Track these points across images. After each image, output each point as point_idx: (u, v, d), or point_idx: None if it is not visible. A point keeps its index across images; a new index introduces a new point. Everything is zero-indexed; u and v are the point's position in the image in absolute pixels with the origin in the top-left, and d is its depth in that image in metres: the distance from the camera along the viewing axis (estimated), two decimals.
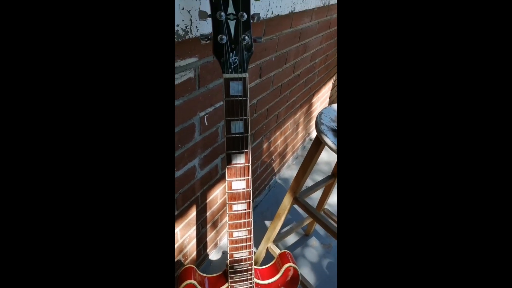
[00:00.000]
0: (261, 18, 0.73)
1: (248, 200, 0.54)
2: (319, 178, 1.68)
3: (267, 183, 1.51)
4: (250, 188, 0.53)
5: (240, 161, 0.51)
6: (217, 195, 1.01)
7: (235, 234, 0.55)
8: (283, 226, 1.31)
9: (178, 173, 0.73)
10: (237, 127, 0.49)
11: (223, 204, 1.10)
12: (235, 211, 0.53)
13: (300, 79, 1.36)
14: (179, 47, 0.56)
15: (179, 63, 0.59)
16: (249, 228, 0.55)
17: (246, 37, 0.46)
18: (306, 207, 0.80)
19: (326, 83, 1.85)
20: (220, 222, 1.14)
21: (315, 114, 1.92)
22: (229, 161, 0.50)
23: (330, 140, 0.65)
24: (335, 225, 0.78)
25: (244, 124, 0.49)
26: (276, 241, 1.04)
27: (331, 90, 2.07)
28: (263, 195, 1.51)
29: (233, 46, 0.46)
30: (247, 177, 0.52)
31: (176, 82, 0.60)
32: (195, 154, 0.78)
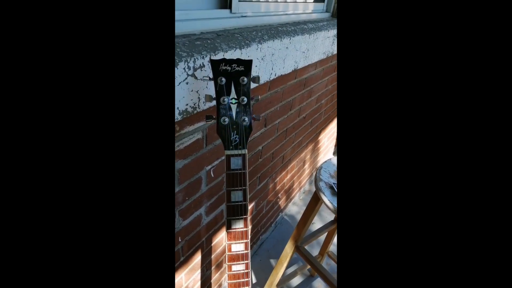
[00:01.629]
0: (265, 81, 0.80)
1: (247, 261, 0.57)
2: (326, 215, 1.69)
3: (273, 220, 1.54)
4: (249, 251, 0.57)
5: (239, 226, 0.55)
6: (222, 237, 1.05)
7: None
8: (287, 266, 1.32)
9: (184, 223, 0.78)
10: (236, 196, 0.53)
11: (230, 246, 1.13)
12: (234, 271, 0.57)
13: (306, 121, 1.41)
14: (189, 119, 0.63)
15: (188, 128, 0.65)
16: (248, 287, 0.58)
17: (246, 118, 0.52)
18: (307, 257, 0.83)
19: (332, 120, 1.90)
20: (225, 263, 1.17)
21: (322, 149, 1.95)
22: (229, 226, 0.55)
23: (327, 198, 0.68)
24: (335, 277, 0.79)
25: (243, 193, 0.53)
26: (280, 284, 1.06)
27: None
28: (269, 232, 1.53)
29: (234, 126, 0.52)
30: (246, 240, 0.56)
31: (186, 144, 0.66)
32: (202, 203, 0.83)
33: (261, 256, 1.39)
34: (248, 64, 0.52)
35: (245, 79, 0.52)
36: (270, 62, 0.79)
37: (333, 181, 0.75)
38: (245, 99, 0.52)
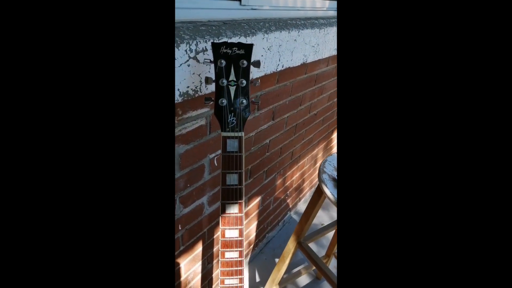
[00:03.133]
0: (272, 72, 0.79)
1: (241, 249, 0.56)
2: (335, 214, 1.65)
3: (280, 219, 1.52)
4: (243, 238, 0.56)
5: (234, 211, 0.54)
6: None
7: (227, 282, 0.57)
8: (294, 266, 1.29)
9: (185, 210, 0.78)
10: (232, 179, 0.53)
11: None
12: (227, 258, 0.56)
13: (317, 118, 1.39)
14: (191, 102, 0.63)
15: (191, 113, 0.66)
16: (240, 276, 0.57)
17: (244, 100, 0.52)
18: (309, 254, 0.81)
19: None
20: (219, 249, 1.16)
21: (335, 148, 1.92)
22: (223, 210, 0.54)
23: (329, 190, 0.67)
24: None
25: (239, 176, 0.53)
26: (285, 283, 1.04)
27: None
28: (276, 231, 1.51)
29: (232, 108, 0.52)
30: (240, 227, 0.55)
31: (188, 129, 0.67)
32: (204, 192, 0.83)
33: (267, 255, 1.38)
34: (248, 48, 0.52)
35: (245, 62, 0.51)
36: (277, 53, 0.78)
37: (337, 173, 0.73)
38: (244, 81, 0.52)
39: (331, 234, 1.41)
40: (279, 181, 1.30)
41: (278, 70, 0.82)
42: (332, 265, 1.32)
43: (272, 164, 1.17)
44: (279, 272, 0.92)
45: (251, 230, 1.26)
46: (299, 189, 1.59)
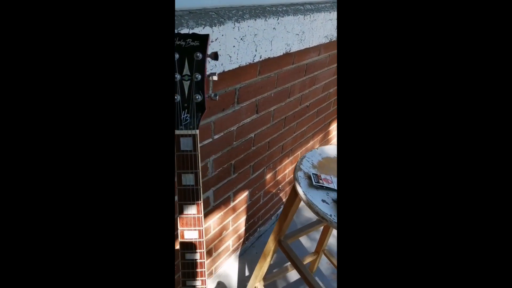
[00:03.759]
0: (247, 63, 0.75)
1: (201, 250, 0.54)
2: None
3: (273, 213, 1.50)
4: (203, 239, 0.54)
5: (191, 211, 0.52)
6: (210, 225, 1.03)
7: (188, 283, 0.56)
8: (285, 261, 1.28)
9: None
10: (187, 179, 0.50)
11: (219, 234, 1.11)
12: (188, 259, 0.55)
13: (310, 110, 1.34)
14: None
15: None
16: (202, 278, 0.56)
17: (199, 96, 0.49)
18: (288, 254, 0.78)
19: None
20: (215, 252, 1.15)
21: (334, 141, 1.87)
22: (181, 211, 0.52)
23: (301, 190, 0.63)
24: (318, 281, 0.74)
25: (195, 177, 0.50)
26: (274, 278, 1.02)
27: None
28: (269, 225, 1.49)
29: (186, 105, 0.48)
30: (200, 228, 0.53)
31: None
32: None
33: (258, 249, 1.36)
34: (204, 38, 0.48)
35: (200, 54, 0.48)
36: (252, 43, 0.74)
37: (314, 171, 0.69)
38: (199, 76, 0.48)
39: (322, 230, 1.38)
40: (269, 175, 1.27)
41: (255, 61, 0.78)
42: (324, 261, 1.30)
43: (260, 158, 1.14)
44: (261, 270, 0.90)
45: (241, 224, 1.24)
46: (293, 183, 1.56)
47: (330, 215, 0.57)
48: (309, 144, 1.52)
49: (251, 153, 1.07)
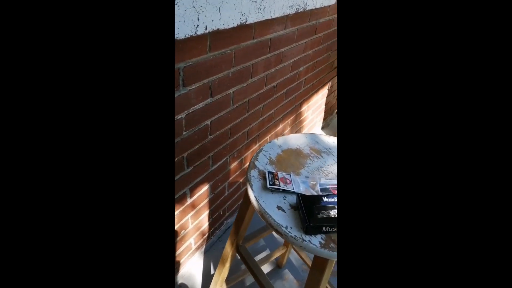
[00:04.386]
0: (187, 36, 0.60)
1: None
2: None
3: None
4: None
5: None
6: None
7: None
8: (254, 254, 1.19)
9: None
10: None
11: (177, 234, 1.00)
12: None
13: (278, 91, 1.22)
14: None
15: None
16: None
17: None
18: (245, 259, 0.68)
19: (318, 90, 1.69)
20: (175, 252, 1.04)
21: (306, 123, 1.77)
22: None
23: (253, 194, 0.52)
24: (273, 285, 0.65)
25: None
26: (237, 279, 0.93)
27: (326, 97, 1.90)
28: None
29: None
30: None
31: None
32: None
33: (225, 243, 1.27)
34: None
35: None
36: (192, 9, 0.58)
37: (270, 168, 0.57)
38: None
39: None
40: (233, 165, 1.16)
41: (199, 33, 0.63)
42: (293, 256, 1.23)
43: (220, 147, 1.02)
44: (221, 275, 0.80)
45: (203, 220, 1.13)
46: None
47: (286, 227, 0.46)
48: (278, 128, 1.41)
49: (208, 142, 0.94)
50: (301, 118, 1.65)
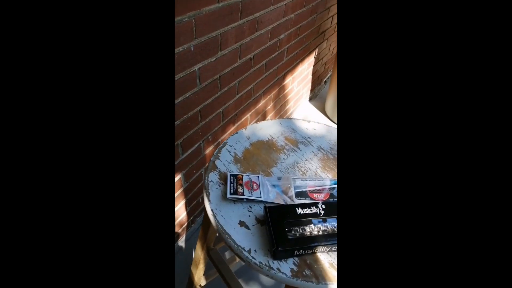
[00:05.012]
0: None
1: None
2: None
3: None
4: None
5: None
6: None
7: None
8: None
9: None
10: None
11: None
12: None
13: (256, 64, 1.08)
14: None
15: None
16: None
17: None
18: (216, 264, 0.60)
19: (303, 59, 1.54)
20: None
21: (292, 95, 1.64)
22: None
23: (209, 205, 0.41)
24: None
25: None
26: (215, 275, 0.87)
27: (313, 66, 1.75)
28: None
29: None
30: None
31: None
32: None
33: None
34: None
35: None
36: None
37: (235, 169, 0.46)
38: None
39: None
40: (208, 149, 1.05)
41: None
42: None
43: (190, 133, 0.90)
44: (196, 276, 0.72)
45: (179, 211, 1.04)
46: None
47: (249, 251, 0.37)
48: (260, 104, 1.28)
49: (177, 128, 0.82)
50: (286, 91, 1.52)
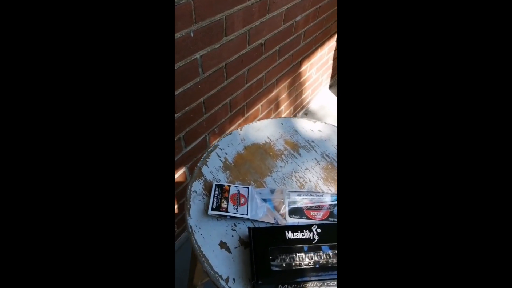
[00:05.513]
0: None
1: None
2: None
3: None
4: None
5: None
6: None
7: None
8: None
9: None
10: None
11: None
12: None
13: (267, 50, 0.99)
14: None
15: None
16: None
17: None
18: None
19: (323, 44, 1.43)
20: None
21: (309, 83, 1.54)
22: None
23: (190, 220, 0.36)
24: None
25: None
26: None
27: (334, 50, 1.62)
28: None
29: None
30: None
31: None
32: None
33: None
34: None
35: None
36: None
37: (223, 178, 0.41)
38: None
39: None
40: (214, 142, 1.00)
41: None
42: None
43: (193, 125, 0.85)
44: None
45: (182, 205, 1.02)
46: None
47: (227, 280, 0.31)
48: (272, 94, 1.20)
49: (176, 121, 0.77)
50: (303, 79, 1.42)
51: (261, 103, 1.16)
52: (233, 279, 0.32)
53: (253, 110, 1.13)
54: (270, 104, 1.24)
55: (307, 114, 1.71)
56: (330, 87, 1.90)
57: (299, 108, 1.60)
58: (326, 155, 0.46)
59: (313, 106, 1.77)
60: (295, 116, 1.58)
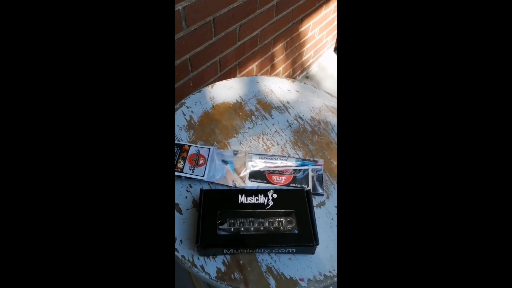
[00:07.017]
0: None
1: None
2: None
3: None
4: None
5: None
6: None
7: None
8: None
9: None
10: None
11: None
12: None
13: (262, 5, 0.92)
14: None
15: None
16: None
17: None
18: None
19: (326, 2, 1.32)
20: None
21: (311, 44, 1.45)
22: None
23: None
24: None
25: None
26: None
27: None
28: None
29: None
30: None
31: None
32: None
33: None
34: None
35: None
36: None
37: (185, 137, 0.39)
38: None
39: None
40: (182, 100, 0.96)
41: None
42: None
43: (178, 84, 0.82)
44: None
45: None
46: None
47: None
48: (269, 53, 1.14)
49: None
50: (304, 39, 1.34)
51: (255, 63, 1.10)
52: (181, 240, 0.31)
53: (246, 70, 1.07)
54: (266, 64, 1.18)
55: (308, 77, 1.63)
56: (335, 49, 1.79)
57: (299, 71, 1.53)
58: (299, 118, 0.43)
59: (315, 69, 1.69)
60: (294, 78, 1.51)
